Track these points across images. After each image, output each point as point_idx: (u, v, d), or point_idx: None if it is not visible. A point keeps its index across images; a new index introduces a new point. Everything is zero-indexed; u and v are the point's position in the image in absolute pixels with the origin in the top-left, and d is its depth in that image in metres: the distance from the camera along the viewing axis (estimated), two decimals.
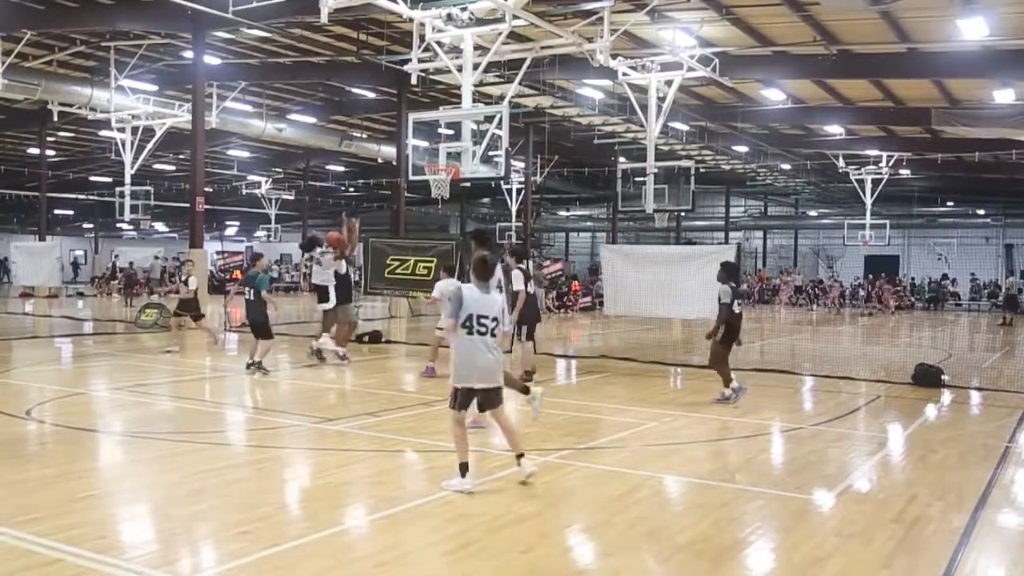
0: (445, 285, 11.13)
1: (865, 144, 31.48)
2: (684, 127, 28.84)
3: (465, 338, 6.38)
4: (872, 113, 27.10)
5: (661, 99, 19.38)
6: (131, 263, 39.46)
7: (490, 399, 6.56)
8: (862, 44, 19.81)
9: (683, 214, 32.30)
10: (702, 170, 29.60)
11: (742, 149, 32.81)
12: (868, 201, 33.30)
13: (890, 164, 31.49)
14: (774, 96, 25.56)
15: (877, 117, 27.69)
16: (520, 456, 6.63)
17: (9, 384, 11.42)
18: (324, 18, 13.13)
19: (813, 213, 50.07)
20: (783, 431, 9.38)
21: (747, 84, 24.42)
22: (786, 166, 36.67)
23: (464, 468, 6.39)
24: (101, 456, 7.85)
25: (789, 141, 33.01)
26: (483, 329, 6.38)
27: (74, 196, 43.23)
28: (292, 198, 43.61)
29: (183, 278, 16.10)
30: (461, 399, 6.49)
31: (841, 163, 31.87)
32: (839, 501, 6.53)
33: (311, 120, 31.49)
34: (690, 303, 14.41)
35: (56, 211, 48.81)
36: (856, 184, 33.29)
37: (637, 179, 20.64)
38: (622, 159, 27.38)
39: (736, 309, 10.64)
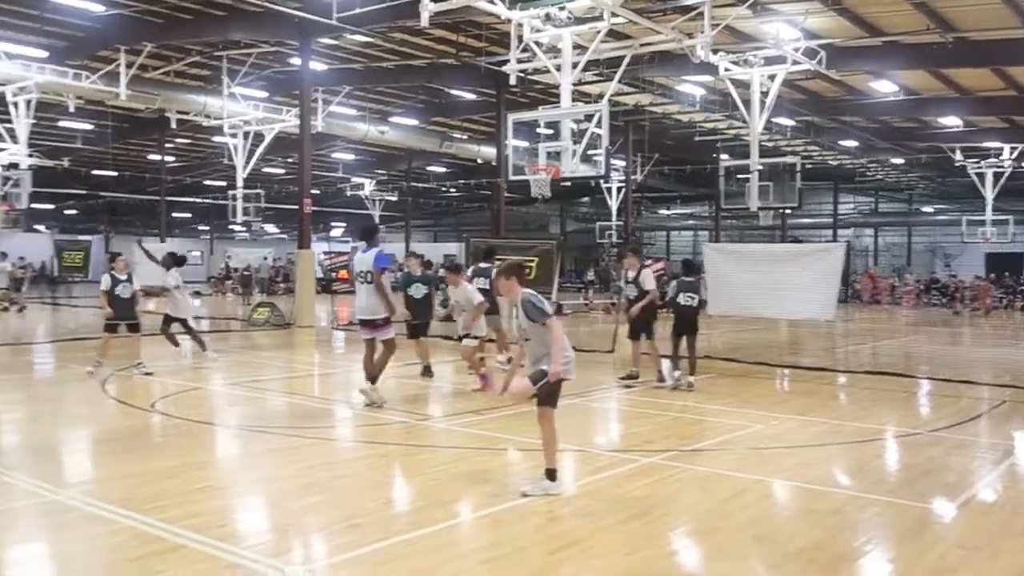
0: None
1: (985, 136, 29.98)
2: (789, 122, 28.11)
3: None
4: (993, 103, 25.77)
5: (764, 94, 18.96)
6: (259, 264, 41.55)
7: None
8: (981, 30, 18.86)
9: (788, 212, 31.56)
10: (808, 166, 28.73)
11: (851, 144, 31.71)
12: (989, 196, 31.64)
13: (1013, 156, 29.87)
14: (885, 88, 24.60)
15: (998, 107, 26.30)
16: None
17: (135, 379, 12.04)
18: (424, 22, 13.36)
19: (928, 209, 47.85)
20: (898, 436, 9.01)
21: (855, 76, 23.58)
22: (898, 160, 35.24)
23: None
24: (219, 448, 8.22)
25: (901, 134, 31.72)
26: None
27: (190, 199, 45.32)
28: (395, 199, 44.54)
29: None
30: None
31: (958, 156, 30.41)
32: (962, 511, 6.21)
33: (412, 122, 32.11)
34: (796, 303, 14.00)
35: (174, 214, 51.29)
36: (975, 178, 31.66)
37: (740, 176, 20.27)
38: (724, 156, 26.83)
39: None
